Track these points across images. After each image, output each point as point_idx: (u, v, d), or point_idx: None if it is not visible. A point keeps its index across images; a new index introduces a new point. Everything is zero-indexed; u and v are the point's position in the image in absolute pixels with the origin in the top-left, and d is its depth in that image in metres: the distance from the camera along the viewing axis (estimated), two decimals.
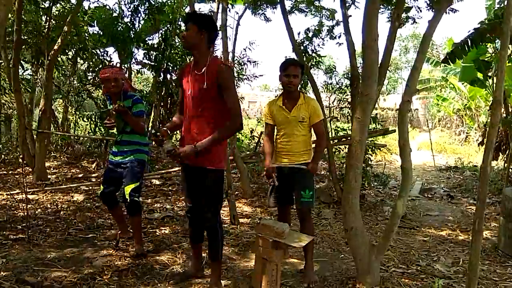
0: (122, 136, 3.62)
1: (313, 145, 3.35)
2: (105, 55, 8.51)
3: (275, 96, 3.45)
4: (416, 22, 6.09)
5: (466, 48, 5.69)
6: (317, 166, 3.26)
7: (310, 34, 6.86)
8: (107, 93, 3.67)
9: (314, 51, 6.95)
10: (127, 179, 3.52)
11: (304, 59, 6.61)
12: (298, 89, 3.28)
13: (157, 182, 6.71)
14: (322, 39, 6.91)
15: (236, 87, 2.78)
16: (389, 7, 5.96)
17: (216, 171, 2.75)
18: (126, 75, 8.56)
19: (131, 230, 3.79)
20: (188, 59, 8.18)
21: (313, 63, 7.12)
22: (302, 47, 6.73)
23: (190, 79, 2.76)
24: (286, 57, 7.23)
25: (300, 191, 3.15)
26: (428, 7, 5.57)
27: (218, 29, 2.92)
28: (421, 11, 5.78)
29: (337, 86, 7.58)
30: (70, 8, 7.66)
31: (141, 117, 3.54)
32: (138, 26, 8.41)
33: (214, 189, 2.78)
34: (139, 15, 8.13)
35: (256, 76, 10.57)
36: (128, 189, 3.48)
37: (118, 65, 8.02)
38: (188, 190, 2.93)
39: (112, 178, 3.63)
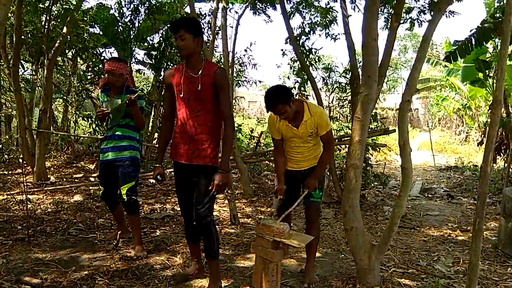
0: (115, 130, 3.56)
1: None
2: (104, 54, 8.52)
3: None
4: (418, 25, 6.07)
5: (470, 47, 5.66)
6: (316, 181, 3.13)
7: (307, 29, 6.75)
8: (106, 84, 3.63)
9: (311, 48, 6.83)
10: (122, 179, 3.48)
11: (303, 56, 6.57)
12: (299, 96, 3.22)
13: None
14: (320, 35, 6.83)
15: (229, 88, 2.85)
16: (389, 7, 5.97)
17: (211, 167, 2.75)
18: None
19: (131, 230, 3.79)
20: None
21: (310, 61, 7.05)
22: (298, 44, 6.60)
23: (184, 81, 2.78)
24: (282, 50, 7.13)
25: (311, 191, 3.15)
26: (428, 7, 5.58)
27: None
28: (425, 13, 5.77)
29: (336, 85, 7.55)
30: (69, 8, 7.66)
31: (142, 112, 3.60)
32: (138, 25, 8.41)
33: (209, 186, 2.75)
34: (139, 14, 8.13)
35: (255, 82, 10.56)
36: (124, 189, 3.45)
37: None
38: (183, 189, 2.94)
39: (109, 177, 3.57)
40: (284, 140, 3.21)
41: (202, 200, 2.79)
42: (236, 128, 7.61)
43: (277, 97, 2.90)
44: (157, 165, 3.02)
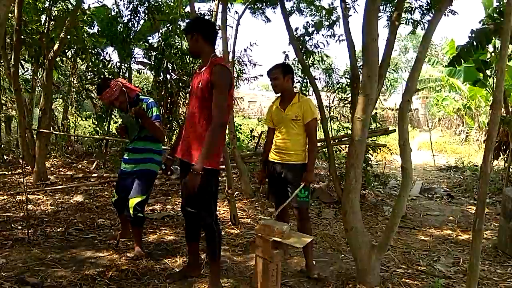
0: (135, 144, 3.47)
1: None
2: (104, 55, 8.51)
3: (274, 97, 3.51)
4: (418, 25, 6.04)
5: (472, 50, 5.64)
6: (312, 175, 3.21)
7: (310, 29, 6.72)
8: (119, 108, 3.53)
9: (315, 46, 6.81)
10: (134, 191, 3.36)
11: (304, 56, 6.55)
12: (295, 90, 3.39)
13: (157, 182, 6.71)
14: (323, 35, 6.81)
15: (228, 88, 2.69)
16: (389, 7, 5.96)
17: (205, 169, 2.66)
18: (126, 74, 8.65)
19: (132, 235, 3.76)
20: (187, 59, 8.19)
21: (313, 60, 7.05)
22: (300, 43, 6.52)
23: (193, 78, 2.87)
24: (285, 52, 7.20)
25: (295, 191, 3.18)
26: (428, 7, 5.56)
27: (213, 23, 2.97)
28: (424, 14, 5.75)
29: (337, 85, 7.54)
30: (68, 8, 7.66)
31: (158, 121, 3.36)
32: (138, 26, 8.41)
33: (204, 188, 2.71)
34: (138, 14, 8.13)
35: (255, 77, 10.58)
36: (133, 202, 3.33)
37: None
38: (182, 186, 2.92)
39: (124, 186, 3.47)
40: (275, 130, 3.41)
41: (200, 201, 2.78)
42: (236, 128, 7.59)
43: (278, 66, 3.34)
44: (169, 157, 3.01)
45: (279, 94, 3.39)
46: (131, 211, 3.34)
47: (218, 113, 2.62)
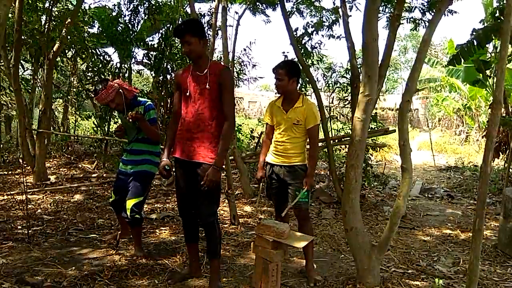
0: (133, 145, 3.48)
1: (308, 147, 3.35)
2: (104, 54, 8.52)
3: (275, 96, 3.48)
4: (418, 25, 6.04)
5: (472, 49, 5.64)
6: (312, 180, 3.22)
7: (309, 30, 6.70)
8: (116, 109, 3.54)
9: (314, 47, 6.82)
10: (131, 192, 3.36)
11: (304, 57, 6.55)
12: (299, 91, 3.30)
13: (157, 182, 6.71)
14: (322, 35, 6.81)
15: (234, 88, 2.92)
16: (389, 7, 5.96)
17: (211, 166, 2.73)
18: (126, 75, 8.65)
19: (132, 235, 3.76)
20: (187, 59, 8.19)
21: (313, 61, 7.06)
22: (300, 44, 6.54)
23: (191, 80, 2.84)
24: (284, 52, 7.20)
25: (295, 192, 3.18)
26: (428, 7, 5.56)
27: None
28: (425, 14, 5.74)
29: (337, 85, 7.54)
30: (68, 9, 7.67)
31: (154, 124, 3.40)
32: (138, 26, 8.42)
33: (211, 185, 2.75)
34: (139, 15, 8.14)
35: (255, 79, 10.62)
36: (130, 203, 3.33)
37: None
38: (183, 187, 2.94)
39: (122, 187, 3.48)
40: (274, 128, 3.33)
41: (203, 199, 2.80)
42: (236, 128, 7.61)
43: (285, 65, 3.21)
44: (164, 159, 2.97)
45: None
46: (128, 213, 3.34)
47: (231, 112, 2.80)
